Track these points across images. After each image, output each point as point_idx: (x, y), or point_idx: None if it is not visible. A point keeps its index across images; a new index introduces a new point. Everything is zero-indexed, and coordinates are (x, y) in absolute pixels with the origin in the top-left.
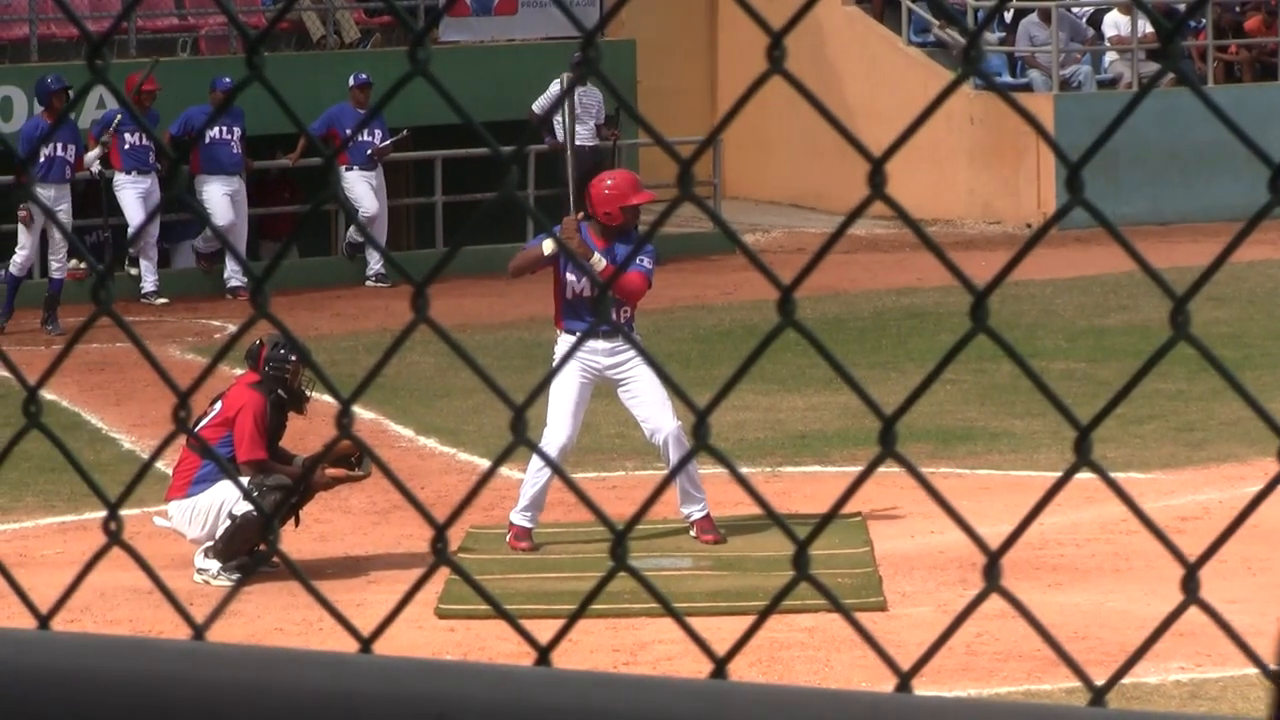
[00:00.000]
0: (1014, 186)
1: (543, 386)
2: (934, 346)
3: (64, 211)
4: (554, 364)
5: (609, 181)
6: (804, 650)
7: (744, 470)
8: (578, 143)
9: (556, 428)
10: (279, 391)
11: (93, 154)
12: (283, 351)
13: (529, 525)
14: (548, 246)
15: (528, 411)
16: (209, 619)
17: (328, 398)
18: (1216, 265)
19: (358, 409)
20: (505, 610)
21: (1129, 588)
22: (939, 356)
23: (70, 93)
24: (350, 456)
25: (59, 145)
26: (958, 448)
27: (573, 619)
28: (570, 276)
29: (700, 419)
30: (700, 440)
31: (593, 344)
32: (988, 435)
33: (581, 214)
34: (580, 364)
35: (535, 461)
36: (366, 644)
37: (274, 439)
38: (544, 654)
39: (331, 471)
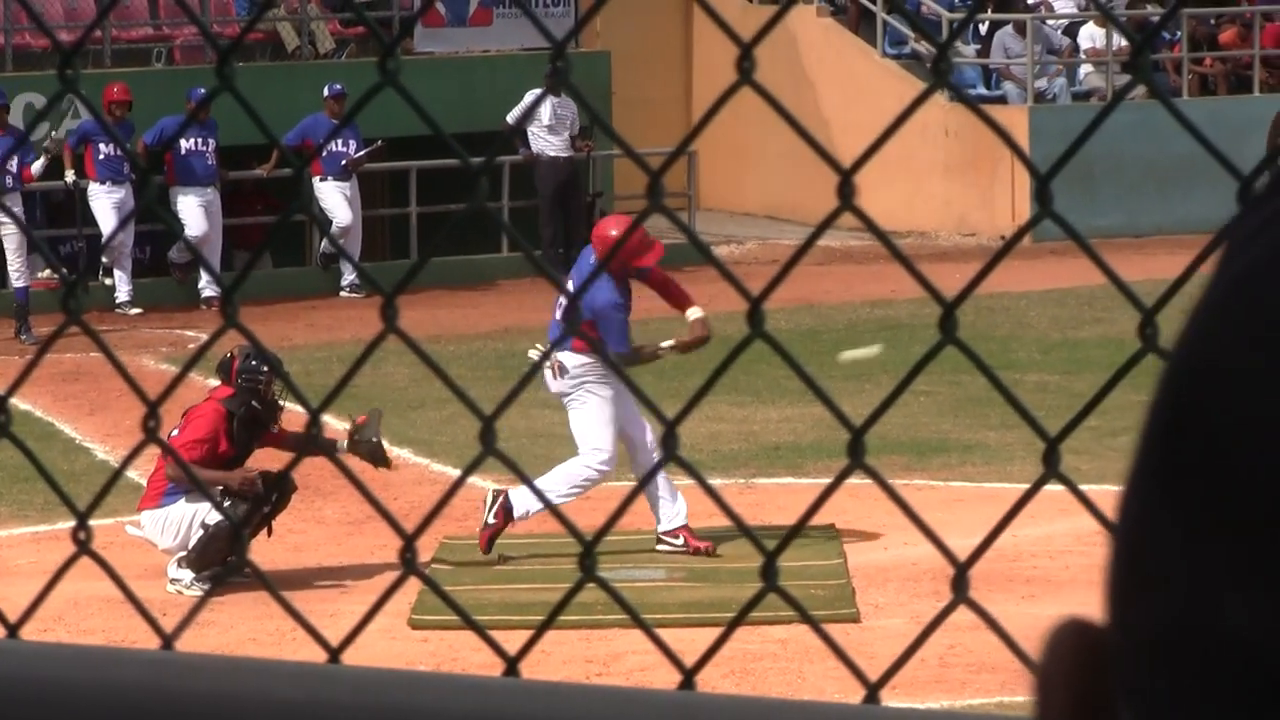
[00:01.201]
0: (989, 199)
1: (512, 397)
2: (908, 358)
3: (8, 222)
4: (585, 385)
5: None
6: (777, 662)
7: (717, 482)
8: (552, 154)
9: (610, 445)
10: (252, 403)
11: (39, 165)
12: (254, 363)
13: (520, 517)
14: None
15: (506, 423)
16: (178, 628)
17: (301, 408)
18: (1185, 278)
19: (331, 420)
20: (474, 620)
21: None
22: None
23: (8, 107)
24: (356, 428)
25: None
26: (932, 460)
27: (541, 629)
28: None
29: (669, 430)
30: (668, 451)
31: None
32: (961, 447)
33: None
34: (601, 383)
35: (561, 479)
36: (335, 654)
37: (244, 452)
38: (512, 664)
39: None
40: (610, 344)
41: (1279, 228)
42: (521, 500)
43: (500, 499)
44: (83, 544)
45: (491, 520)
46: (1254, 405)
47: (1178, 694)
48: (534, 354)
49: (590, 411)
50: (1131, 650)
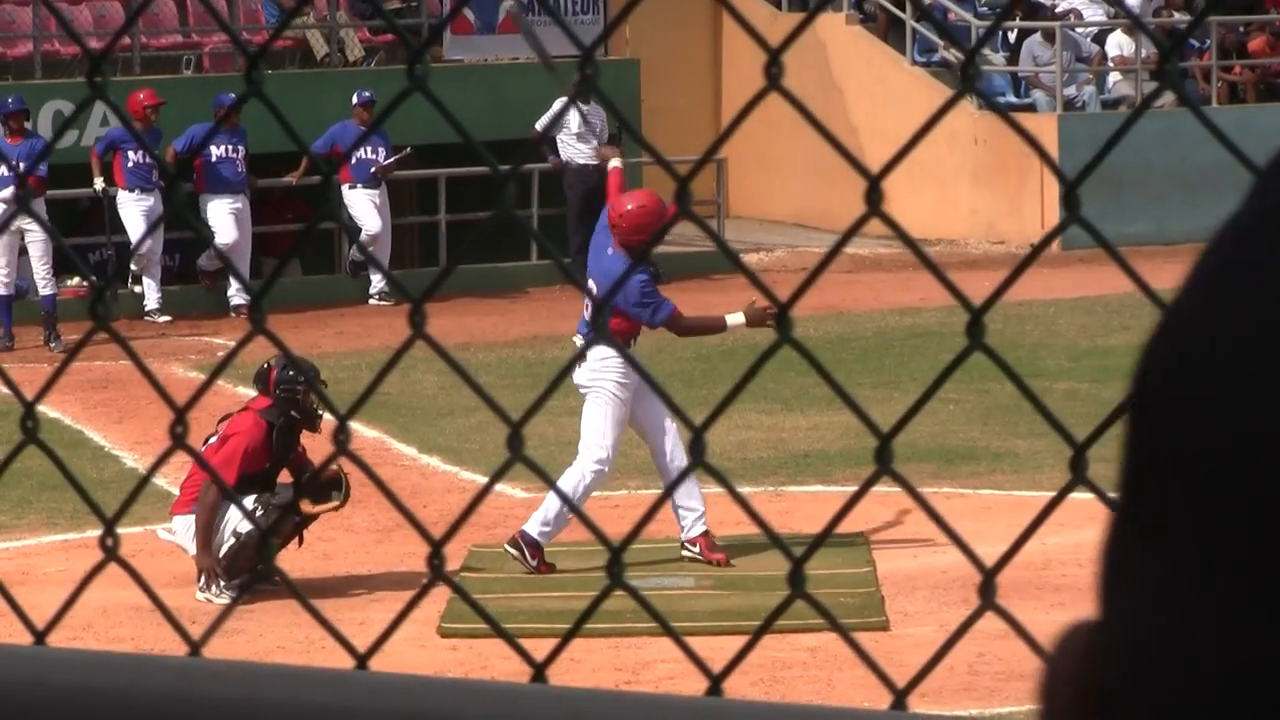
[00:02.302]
0: (1018, 206)
1: (540, 402)
2: (937, 366)
3: (34, 230)
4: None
5: (636, 205)
6: (806, 670)
7: (746, 490)
8: (581, 161)
9: (610, 446)
10: (291, 413)
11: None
12: (291, 373)
13: (541, 541)
14: (731, 319)
15: (529, 430)
16: (205, 635)
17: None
18: None
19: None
20: (500, 627)
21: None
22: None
23: (28, 113)
24: (330, 481)
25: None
26: (960, 468)
27: (568, 636)
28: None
29: (696, 436)
30: (696, 457)
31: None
32: (990, 455)
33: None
34: (620, 385)
35: (569, 483)
36: (363, 660)
37: (279, 461)
38: (539, 671)
39: (306, 509)
40: (658, 316)
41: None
42: (537, 528)
43: (522, 547)
44: (110, 551)
45: (534, 564)
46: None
47: (1161, 710)
48: (578, 340)
49: (599, 409)
50: (1115, 660)
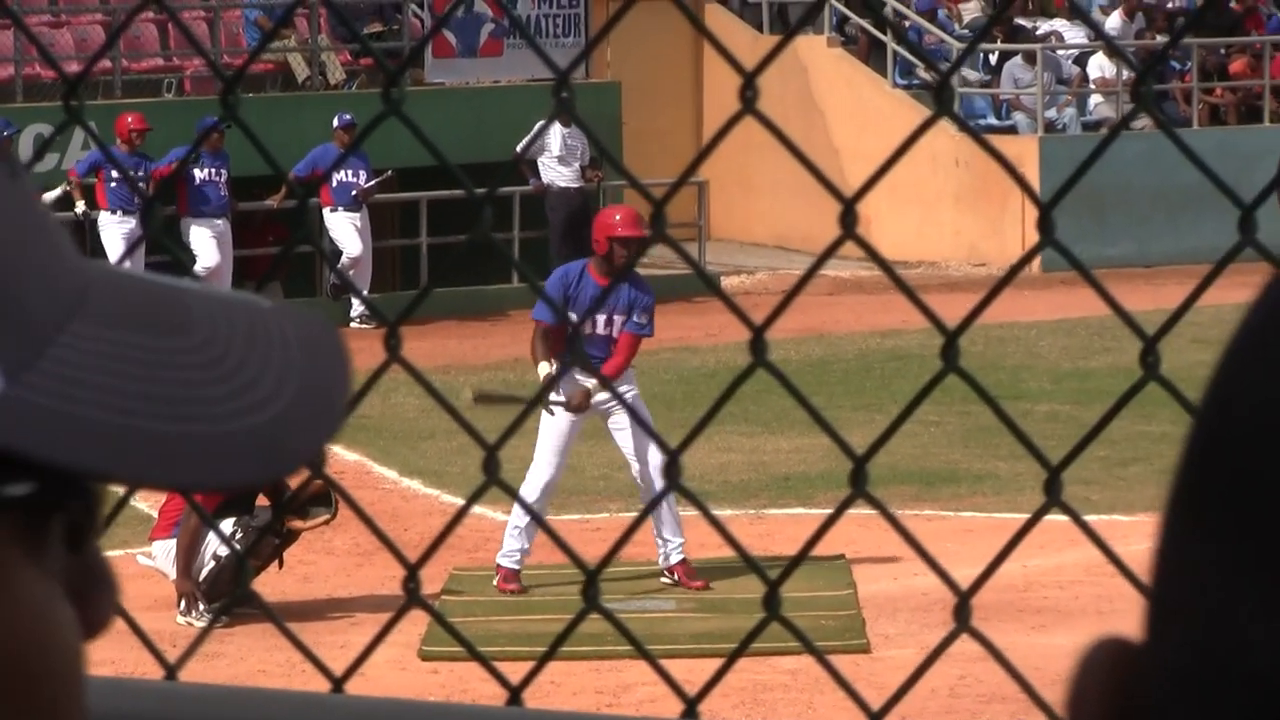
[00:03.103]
0: (999, 228)
1: (516, 425)
2: (918, 388)
3: None
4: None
5: (617, 216)
6: (787, 693)
7: (727, 513)
8: (562, 184)
9: (543, 465)
10: None
11: (50, 196)
12: None
13: (516, 567)
14: (542, 369)
15: (511, 454)
16: (181, 658)
17: None
18: (1186, 306)
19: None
20: (476, 649)
21: (1113, 630)
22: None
23: (12, 138)
24: (317, 496)
25: None
26: (941, 490)
27: (544, 658)
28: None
29: (672, 460)
30: (672, 480)
31: (583, 378)
32: (971, 477)
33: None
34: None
35: (518, 512)
36: (339, 683)
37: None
38: (515, 693)
39: (296, 527)
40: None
41: None
42: (507, 556)
43: (500, 576)
44: None
45: (513, 587)
46: None
47: None
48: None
49: (543, 426)
50: (1159, 677)
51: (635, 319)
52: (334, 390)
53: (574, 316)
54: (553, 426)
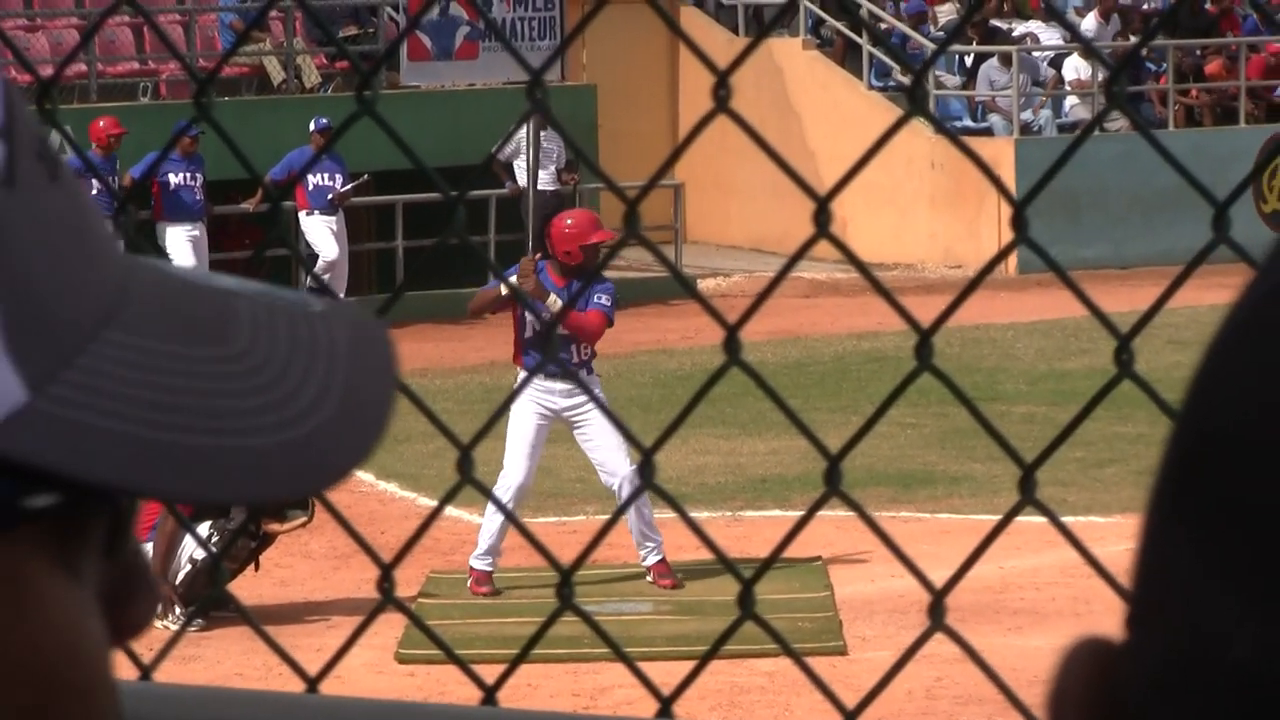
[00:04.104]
0: (975, 230)
1: (489, 425)
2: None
3: None
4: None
5: (569, 221)
6: (764, 694)
7: (704, 515)
8: (539, 187)
9: (512, 468)
10: None
11: None
12: None
13: (489, 569)
14: (504, 287)
15: (488, 455)
16: (155, 659)
17: None
18: (1160, 303)
19: None
20: (452, 651)
21: (1089, 631)
22: (899, 401)
23: None
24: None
25: None
26: (918, 491)
27: (517, 659)
28: (530, 315)
29: (646, 459)
30: (645, 480)
31: (550, 384)
32: (948, 479)
33: (540, 254)
34: (537, 404)
35: (492, 505)
36: (313, 684)
37: None
38: (490, 693)
39: (273, 529)
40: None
41: None
42: (480, 558)
43: (472, 578)
44: None
45: (485, 590)
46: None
47: None
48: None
49: (510, 430)
50: (1140, 677)
51: (598, 299)
52: (377, 405)
53: (528, 317)
54: (519, 429)
